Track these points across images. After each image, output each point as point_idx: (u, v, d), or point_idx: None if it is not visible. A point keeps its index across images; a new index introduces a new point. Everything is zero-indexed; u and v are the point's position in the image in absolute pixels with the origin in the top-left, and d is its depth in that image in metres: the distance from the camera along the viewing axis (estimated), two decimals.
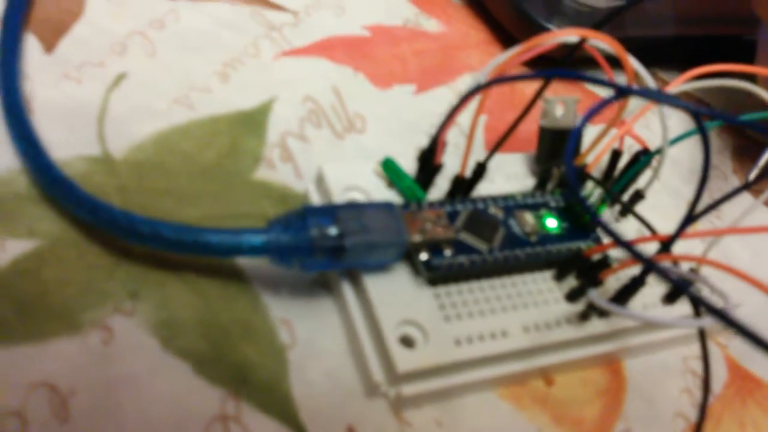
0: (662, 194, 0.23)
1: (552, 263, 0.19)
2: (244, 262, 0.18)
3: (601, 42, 0.17)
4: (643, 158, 0.21)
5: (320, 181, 0.19)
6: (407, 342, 0.17)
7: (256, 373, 0.16)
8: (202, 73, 0.22)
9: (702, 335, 0.18)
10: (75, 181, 0.17)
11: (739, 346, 0.22)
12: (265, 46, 0.24)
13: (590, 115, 0.14)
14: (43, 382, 0.15)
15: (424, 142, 0.19)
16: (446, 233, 0.18)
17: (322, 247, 0.16)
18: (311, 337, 0.17)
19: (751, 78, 0.23)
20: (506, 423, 0.18)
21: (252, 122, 0.22)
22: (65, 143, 0.19)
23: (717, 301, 0.18)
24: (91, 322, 0.16)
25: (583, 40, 0.18)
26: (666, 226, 0.20)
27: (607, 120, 0.20)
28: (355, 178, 0.19)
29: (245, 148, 0.21)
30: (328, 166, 0.19)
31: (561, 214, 0.20)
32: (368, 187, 0.19)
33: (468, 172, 0.20)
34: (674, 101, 0.14)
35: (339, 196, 0.19)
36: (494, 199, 0.20)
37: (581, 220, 0.20)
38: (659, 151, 0.20)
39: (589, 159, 0.20)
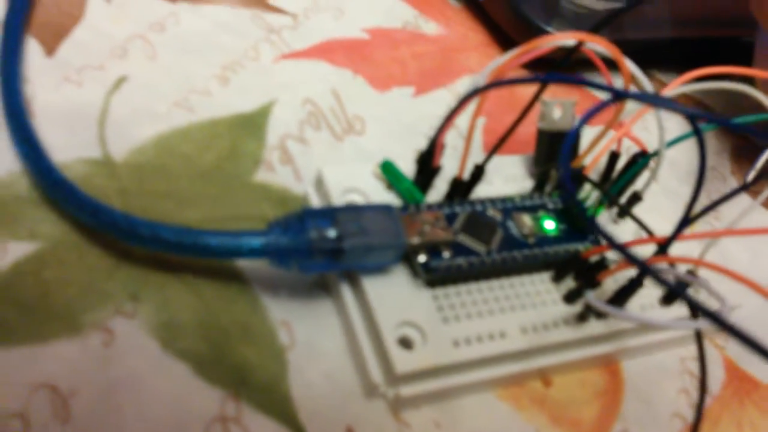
0: (660, 196, 0.23)
1: (550, 265, 0.19)
2: (243, 264, 0.18)
3: (597, 45, 0.18)
4: (640, 160, 0.21)
5: (319, 184, 0.19)
6: (406, 343, 0.17)
7: (255, 374, 0.16)
8: (202, 76, 0.22)
9: (699, 337, 0.18)
10: (76, 184, 0.17)
11: (736, 347, 0.22)
12: (264, 49, 0.24)
13: (586, 119, 0.14)
14: (45, 383, 0.15)
15: (423, 144, 0.19)
16: (445, 235, 0.18)
17: (321, 249, 0.16)
18: (310, 339, 0.17)
19: (749, 80, 0.23)
20: (504, 423, 0.18)
21: (252, 125, 0.22)
22: (66, 146, 0.19)
23: (714, 303, 0.18)
24: (92, 323, 0.16)
25: (580, 44, 0.19)
26: (664, 227, 0.20)
27: (605, 122, 0.20)
28: (354, 180, 0.19)
29: (245, 150, 0.21)
30: (327, 169, 0.19)
31: (559, 216, 0.20)
32: (367, 189, 0.19)
33: (466, 175, 0.20)
34: (670, 104, 0.14)
35: (338, 199, 0.19)
36: (492, 201, 0.20)
37: (579, 222, 0.20)
38: (657, 153, 0.20)
39: (587, 161, 0.20)
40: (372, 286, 0.17)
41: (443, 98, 0.26)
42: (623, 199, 0.22)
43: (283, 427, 0.16)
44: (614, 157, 0.22)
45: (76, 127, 0.20)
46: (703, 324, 0.15)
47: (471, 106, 0.18)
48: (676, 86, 0.19)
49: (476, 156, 0.20)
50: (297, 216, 0.16)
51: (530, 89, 0.20)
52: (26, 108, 0.19)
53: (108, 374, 0.15)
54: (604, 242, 0.20)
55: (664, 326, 0.20)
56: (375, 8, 0.28)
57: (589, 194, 0.21)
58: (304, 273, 0.18)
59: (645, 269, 0.13)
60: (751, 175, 0.26)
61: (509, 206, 0.20)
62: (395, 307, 0.17)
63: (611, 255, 0.19)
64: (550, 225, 0.20)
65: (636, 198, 0.22)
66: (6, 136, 0.18)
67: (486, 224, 0.19)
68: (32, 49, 0.21)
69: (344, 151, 0.22)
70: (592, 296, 0.17)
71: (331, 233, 0.16)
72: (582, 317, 0.18)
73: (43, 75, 0.20)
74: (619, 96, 0.15)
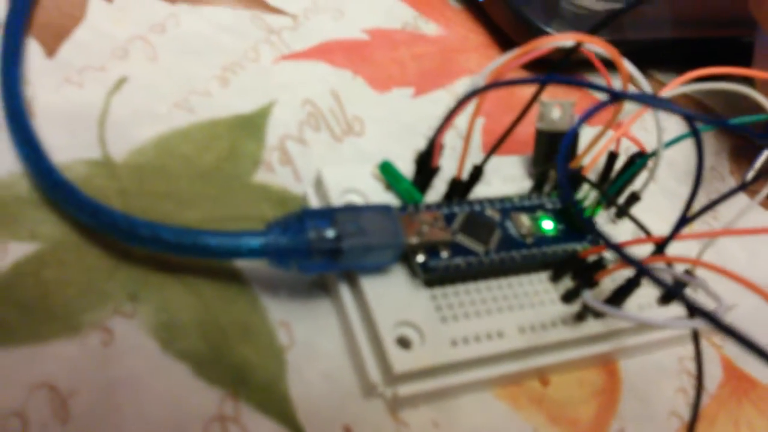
0: (658, 196, 0.24)
1: (548, 265, 0.19)
2: (243, 264, 0.18)
3: (596, 46, 0.18)
4: (638, 161, 0.21)
5: (319, 184, 0.19)
6: (404, 343, 0.17)
7: (254, 374, 0.17)
8: (202, 77, 0.23)
9: (695, 336, 0.18)
10: (76, 185, 0.17)
11: (734, 347, 0.22)
12: (264, 50, 0.24)
13: (583, 119, 0.14)
14: (44, 383, 0.15)
15: (422, 144, 0.19)
16: (443, 235, 0.18)
17: (320, 249, 0.16)
18: (309, 339, 0.18)
19: (749, 80, 0.23)
20: (502, 423, 0.18)
21: (251, 126, 0.22)
22: (66, 147, 0.19)
23: (711, 303, 0.18)
24: (92, 323, 0.16)
25: (578, 45, 0.19)
26: (662, 227, 0.20)
27: (604, 122, 0.20)
28: (353, 180, 0.19)
29: (245, 151, 0.21)
30: (326, 169, 0.19)
31: (557, 216, 0.20)
32: (366, 189, 0.19)
33: (465, 175, 0.20)
34: (667, 105, 0.14)
35: (337, 199, 0.19)
36: (491, 202, 0.20)
37: (577, 223, 0.20)
38: (655, 154, 0.20)
39: (586, 161, 0.21)
40: (370, 286, 0.17)
41: (443, 99, 0.26)
42: (621, 199, 0.22)
43: (282, 427, 0.16)
44: (612, 157, 0.22)
45: (77, 128, 0.20)
46: (699, 323, 0.15)
47: (470, 107, 0.18)
48: (675, 86, 0.20)
49: (475, 156, 0.20)
50: (296, 216, 0.17)
51: (529, 90, 0.21)
52: (27, 109, 0.19)
53: (107, 374, 0.15)
54: (601, 242, 0.20)
55: (661, 326, 0.20)
56: (375, 9, 0.28)
57: (587, 194, 0.21)
58: (303, 273, 0.18)
59: (641, 269, 0.13)
60: (749, 175, 0.26)
61: (507, 206, 0.20)
62: (393, 307, 0.17)
63: (609, 255, 0.19)
64: (548, 225, 0.20)
65: (634, 198, 0.22)
66: (7, 137, 0.18)
67: (484, 224, 0.19)
68: (33, 50, 0.21)
69: (343, 151, 0.22)
70: (589, 296, 0.17)
71: (330, 233, 0.16)
72: (580, 317, 0.19)
73: (43, 76, 0.21)
74: (616, 97, 0.15)
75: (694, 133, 0.16)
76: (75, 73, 0.21)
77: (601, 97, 0.21)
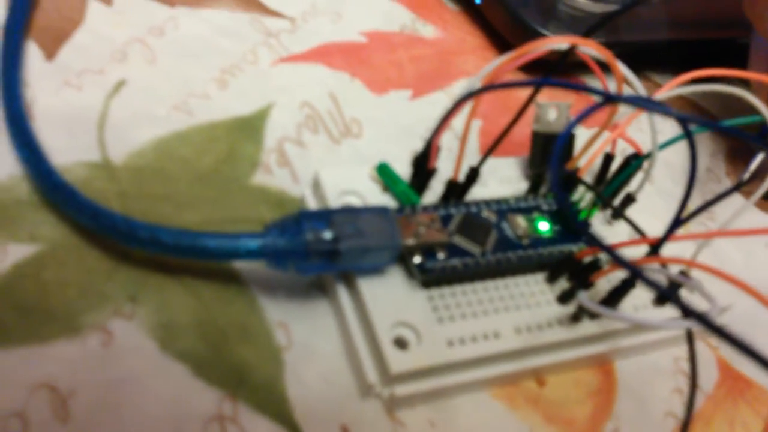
0: (654, 197, 0.24)
1: (544, 266, 0.20)
2: (241, 265, 0.18)
3: (590, 49, 0.18)
4: (634, 162, 0.21)
5: (316, 186, 0.20)
6: (401, 343, 0.17)
7: (252, 374, 0.17)
8: (200, 79, 0.23)
9: (689, 337, 0.18)
10: (76, 187, 0.17)
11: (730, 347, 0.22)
12: (263, 52, 0.25)
13: (577, 121, 0.14)
14: (44, 384, 0.15)
15: (420, 146, 0.20)
16: (440, 237, 0.18)
17: (317, 250, 0.16)
18: (307, 339, 0.18)
19: (745, 81, 0.23)
20: (499, 422, 0.18)
21: (250, 128, 0.22)
22: (66, 149, 0.19)
23: (706, 304, 0.18)
24: (91, 324, 0.16)
25: (572, 47, 0.19)
26: (658, 228, 0.20)
27: (600, 123, 0.20)
28: (350, 182, 0.20)
29: (243, 153, 0.21)
30: (324, 171, 0.20)
31: (553, 217, 0.20)
32: (364, 191, 0.20)
33: (461, 177, 0.20)
34: (660, 108, 0.15)
35: (335, 201, 0.19)
36: (487, 203, 0.20)
37: (572, 224, 0.20)
38: (649, 155, 0.21)
39: (582, 162, 0.21)
40: (368, 286, 0.17)
41: (440, 101, 0.26)
42: (618, 201, 0.22)
43: (280, 427, 0.16)
44: (608, 158, 0.22)
45: (76, 130, 0.20)
46: (692, 324, 0.15)
47: (466, 109, 0.18)
48: (670, 88, 0.20)
49: (472, 158, 0.20)
50: (294, 218, 0.17)
51: (526, 92, 0.21)
52: (26, 112, 0.19)
53: (107, 374, 0.16)
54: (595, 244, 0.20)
55: (655, 326, 0.20)
56: (373, 12, 0.29)
57: (583, 196, 0.21)
58: (300, 274, 0.18)
59: (634, 271, 0.14)
60: (745, 176, 0.26)
61: (504, 208, 0.20)
62: (390, 308, 0.17)
63: (604, 256, 0.20)
64: (544, 226, 0.20)
65: (630, 199, 0.22)
66: (6, 140, 0.18)
67: (481, 226, 0.19)
68: (32, 54, 0.21)
69: (341, 153, 0.23)
70: (584, 297, 0.17)
71: (327, 235, 0.16)
72: (576, 318, 0.19)
73: (43, 79, 0.21)
74: (609, 99, 0.15)
75: (687, 135, 0.16)
76: (74, 76, 0.21)
77: (598, 98, 0.21)
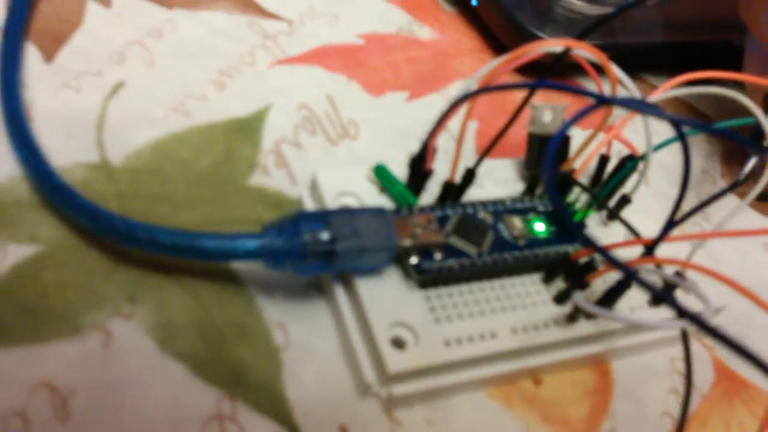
0: (650, 198, 0.24)
1: (540, 266, 0.20)
2: (239, 266, 0.18)
3: (584, 51, 0.18)
4: (629, 163, 0.21)
5: (314, 187, 0.20)
6: (398, 343, 0.17)
7: (251, 374, 0.17)
8: (198, 81, 0.23)
9: (684, 337, 0.19)
10: (74, 188, 0.17)
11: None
12: (260, 54, 0.25)
13: (570, 123, 0.15)
14: (44, 383, 0.15)
15: (416, 148, 0.20)
16: (436, 237, 0.18)
17: (314, 251, 0.16)
18: (305, 339, 0.18)
19: (741, 83, 0.24)
20: (495, 422, 0.18)
21: (247, 129, 0.22)
22: (65, 151, 0.19)
23: (700, 305, 0.18)
24: (91, 324, 0.16)
25: (567, 50, 0.19)
26: (653, 229, 0.20)
27: (596, 125, 0.20)
28: (348, 184, 0.20)
29: (240, 154, 0.21)
30: (321, 173, 0.20)
31: (549, 218, 0.20)
32: (361, 192, 0.20)
33: (458, 178, 0.20)
34: (653, 110, 0.15)
35: (332, 202, 0.19)
36: (483, 204, 0.20)
37: (567, 225, 0.20)
38: (645, 157, 0.21)
39: (577, 164, 0.21)
40: (365, 287, 0.18)
41: (437, 103, 0.26)
42: (613, 202, 0.22)
43: (278, 426, 0.16)
44: (604, 160, 0.22)
45: (75, 132, 0.20)
46: (687, 324, 0.15)
47: (463, 110, 0.18)
48: (665, 90, 0.20)
49: (469, 159, 0.21)
50: (291, 219, 0.17)
51: (522, 93, 0.21)
52: (25, 113, 0.19)
53: (106, 374, 0.16)
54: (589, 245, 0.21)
55: (650, 326, 0.20)
56: (369, 14, 0.29)
57: (578, 197, 0.22)
58: (298, 274, 0.18)
59: (627, 272, 0.14)
60: (741, 178, 0.26)
61: (500, 209, 0.20)
62: (388, 308, 0.17)
63: (600, 257, 0.20)
64: (540, 227, 0.20)
65: (625, 200, 0.22)
66: (6, 142, 0.19)
67: (477, 226, 0.19)
68: (31, 56, 0.21)
69: (339, 155, 0.23)
70: (580, 297, 0.18)
71: (324, 236, 0.17)
72: (572, 318, 0.19)
73: (42, 81, 0.21)
74: (602, 101, 0.15)
75: (680, 137, 0.16)
76: (73, 78, 0.21)
77: (592, 101, 0.21)
